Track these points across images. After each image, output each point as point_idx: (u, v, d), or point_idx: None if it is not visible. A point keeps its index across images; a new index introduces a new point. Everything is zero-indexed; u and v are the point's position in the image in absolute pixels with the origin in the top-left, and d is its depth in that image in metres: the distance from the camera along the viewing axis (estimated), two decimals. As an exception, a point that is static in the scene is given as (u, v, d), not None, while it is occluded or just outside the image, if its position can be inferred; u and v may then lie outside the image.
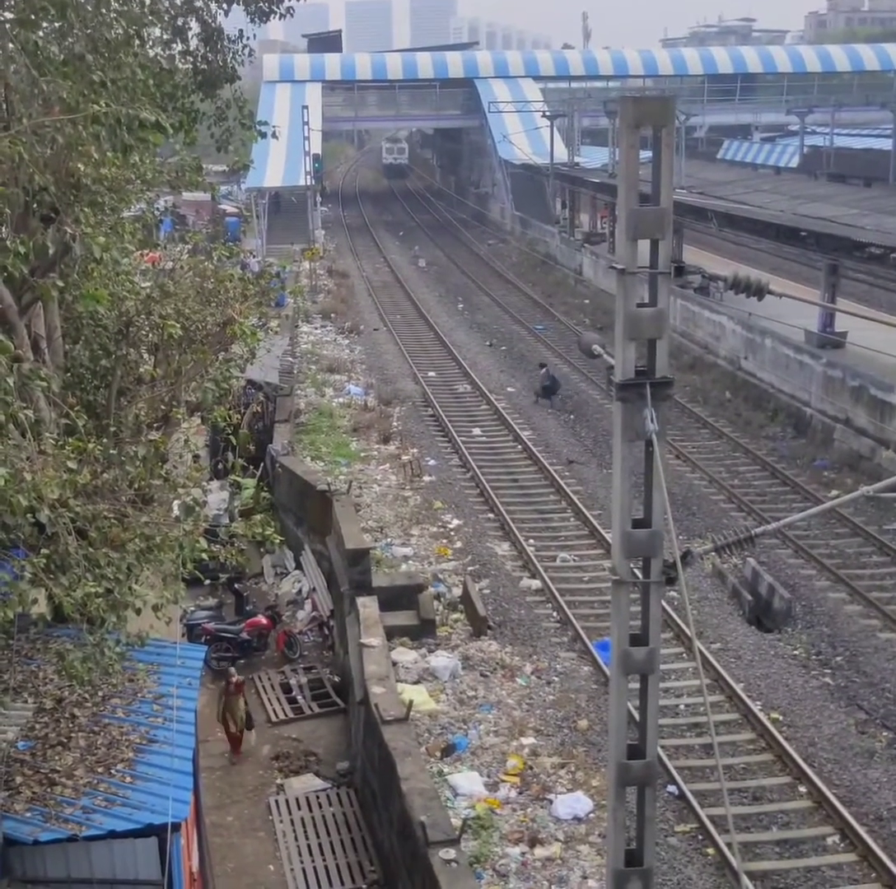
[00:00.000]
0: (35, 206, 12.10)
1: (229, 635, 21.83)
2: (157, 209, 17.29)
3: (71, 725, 12.27)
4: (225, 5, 16.39)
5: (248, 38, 16.86)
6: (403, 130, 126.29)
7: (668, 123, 8.15)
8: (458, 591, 22.68)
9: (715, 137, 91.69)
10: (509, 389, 38.35)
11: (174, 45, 15.82)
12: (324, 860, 16.23)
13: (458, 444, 32.21)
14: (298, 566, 25.73)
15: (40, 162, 11.28)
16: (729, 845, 14.74)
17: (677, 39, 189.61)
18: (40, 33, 11.87)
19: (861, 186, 57.14)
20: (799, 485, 28.06)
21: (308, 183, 62.94)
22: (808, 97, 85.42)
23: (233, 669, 19.42)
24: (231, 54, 16.80)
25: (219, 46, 16.64)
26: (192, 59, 16.57)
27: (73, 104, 11.35)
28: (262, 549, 25.34)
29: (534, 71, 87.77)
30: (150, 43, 14.80)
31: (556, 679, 19.56)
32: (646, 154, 8.27)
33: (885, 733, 17.55)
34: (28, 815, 10.89)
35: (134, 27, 13.16)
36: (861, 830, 15.05)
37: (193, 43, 16.39)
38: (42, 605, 12.24)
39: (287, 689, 20.97)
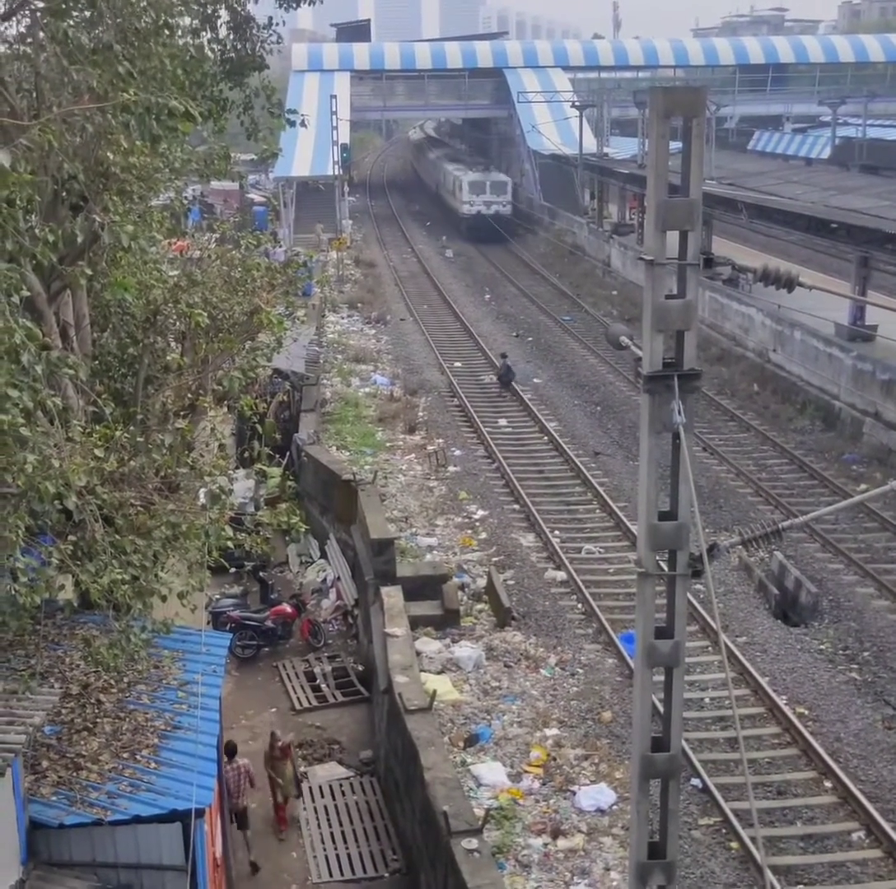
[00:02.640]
0: (64, 194, 12.17)
1: (254, 623, 21.93)
2: (186, 198, 17.31)
3: (96, 711, 12.35)
4: (254, -8, 16.41)
5: (277, 25, 16.84)
6: (430, 118, 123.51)
7: (699, 114, 8.09)
8: (482, 582, 22.67)
9: (746, 128, 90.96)
10: (536, 380, 38.27)
11: (203, 34, 15.81)
12: (346, 848, 16.30)
13: (484, 435, 32.18)
14: (323, 555, 25.80)
15: (70, 150, 11.33)
16: (753, 839, 14.68)
17: (709, 29, 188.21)
18: (71, 22, 11.90)
19: (894, 178, 56.55)
20: (827, 479, 27.86)
21: (336, 173, 62.93)
22: (841, 87, 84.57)
23: (278, 731, 17.48)
24: (260, 42, 16.79)
25: (248, 34, 16.63)
26: (221, 48, 16.57)
27: (103, 93, 11.38)
28: (287, 538, 25.41)
29: (563, 61, 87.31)
30: (180, 31, 14.80)
31: (581, 671, 19.53)
32: (676, 145, 8.20)
33: (911, 729, 17.44)
34: (54, 799, 10.99)
35: (164, 16, 13.18)
36: (887, 826, 14.96)
37: (223, 31, 16.39)
38: (69, 592, 12.32)
39: (311, 677, 21.05)
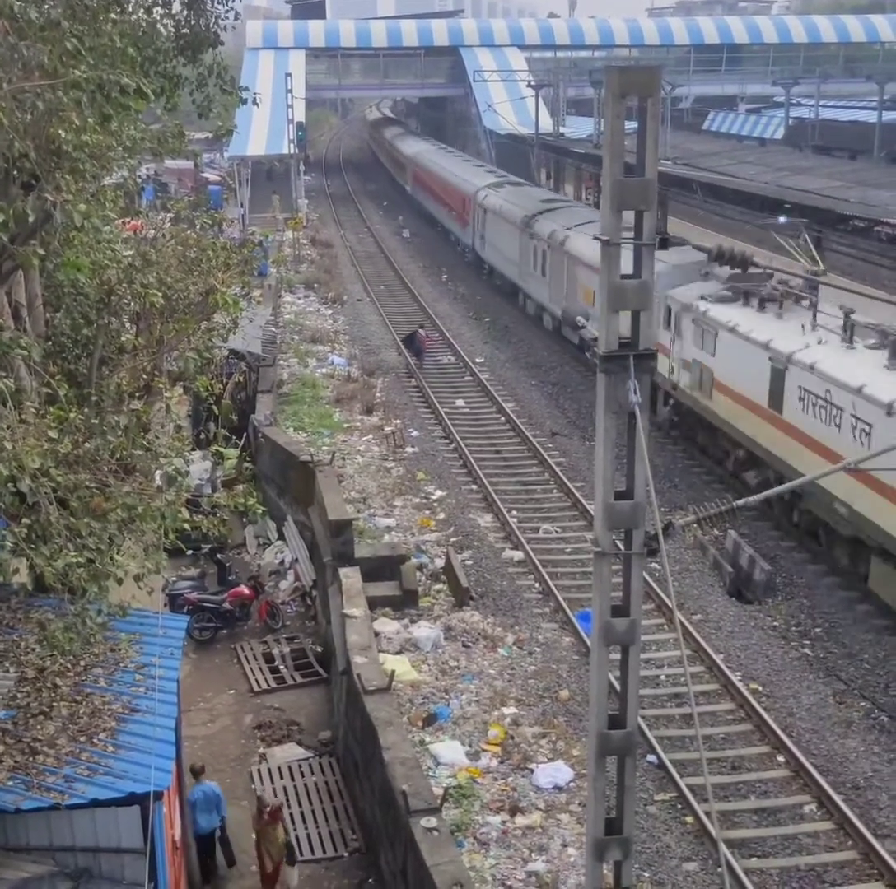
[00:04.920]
0: (15, 172, 11.96)
1: (211, 605, 21.85)
2: (140, 177, 17.13)
3: (53, 695, 12.26)
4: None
5: (231, 1, 16.63)
6: (386, 96, 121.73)
7: (654, 94, 8.12)
8: (440, 562, 22.72)
9: (700, 108, 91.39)
10: (493, 361, 38.31)
11: (156, 9, 15.58)
12: (306, 828, 16.33)
13: (442, 416, 32.19)
14: (281, 536, 25.73)
15: (20, 128, 11.13)
16: (708, 814, 14.89)
17: (664, 9, 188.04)
18: (19, -3, 11.67)
19: (846, 159, 57.15)
20: (780, 457, 27.96)
21: (291, 151, 62.46)
22: (794, 68, 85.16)
23: (265, 795, 15.76)
24: (214, 18, 16.58)
25: (202, 10, 16.41)
26: (175, 24, 16.34)
27: (53, 70, 11.19)
28: (244, 520, 25.33)
29: (519, 40, 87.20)
30: (131, 7, 14.59)
31: (538, 650, 19.66)
32: (631, 124, 8.24)
33: (862, 703, 17.71)
34: (10, 783, 10.89)
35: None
36: (838, 799, 15.22)
37: (176, 6, 16.16)
38: (23, 575, 12.21)
39: (269, 658, 21.02)
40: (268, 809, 15.08)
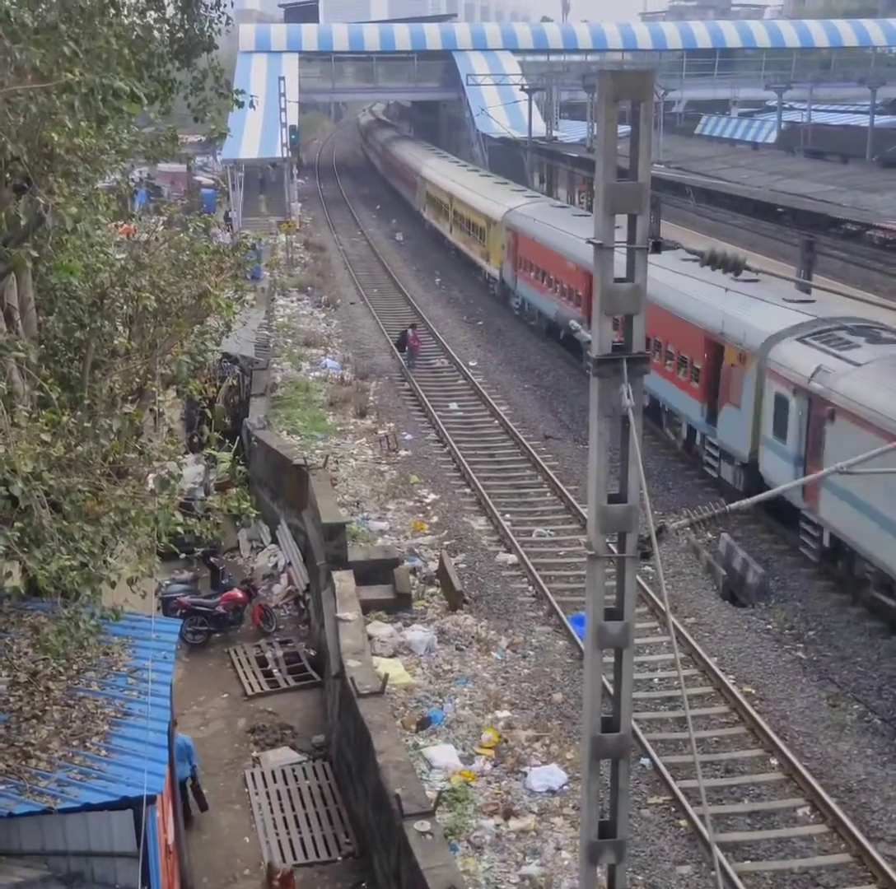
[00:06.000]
0: (8, 175, 11.96)
1: (205, 609, 21.81)
2: (132, 180, 17.11)
3: (45, 699, 12.23)
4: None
5: (225, 5, 16.63)
6: (380, 100, 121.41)
7: (647, 98, 8.14)
8: (434, 566, 22.71)
9: (693, 113, 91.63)
10: (487, 364, 38.33)
11: (150, 13, 15.58)
12: (299, 832, 16.30)
13: (435, 419, 32.19)
14: (274, 540, 25.71)
15: (13, 131, 11.13)
16: (701, 817, 14.89)
17: (656, 13, 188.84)
18: (13, 0, 11.67)
19: (838, 163, 57.32)
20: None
21: (284, 155, 62.46)
22: (787, 73, 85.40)
23: (275, 861, 14.97)
24: (208, 22, 16.58)
25: (196, 13, 16.41)
26: (168, 28, 16.33)
27: (47, 73, 11.19)
28: (237, 523, 25.28)
29: (512, 44, 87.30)
30: (125, 10, 14.59)
31: (532, 653, 19.66)
32: (624, 128, 8.25)
33: (855, 706, 17.72)
34: (2, 788, 10.87)
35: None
36: (831, 802, 15.23)
37: (170, 10, 16.16)
38: (16, 579, 12.18)
39: (263, 662, 20.98)
40: (279, 876, 14.32)
